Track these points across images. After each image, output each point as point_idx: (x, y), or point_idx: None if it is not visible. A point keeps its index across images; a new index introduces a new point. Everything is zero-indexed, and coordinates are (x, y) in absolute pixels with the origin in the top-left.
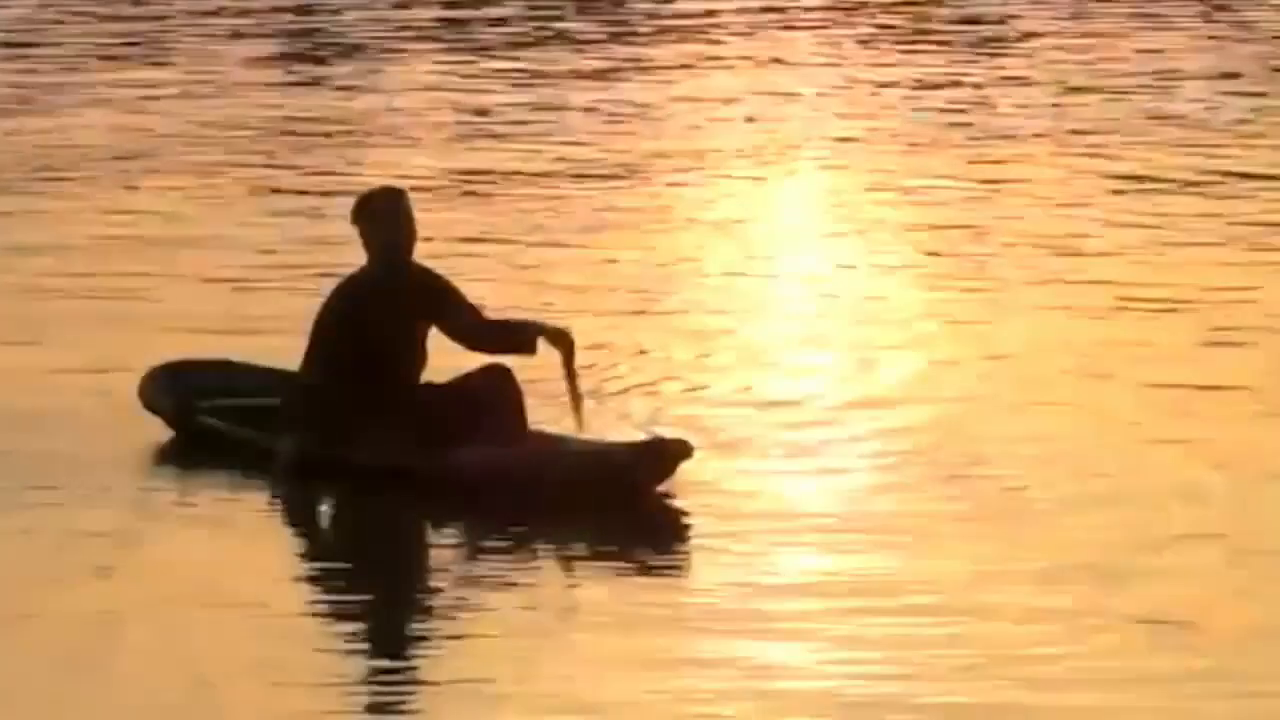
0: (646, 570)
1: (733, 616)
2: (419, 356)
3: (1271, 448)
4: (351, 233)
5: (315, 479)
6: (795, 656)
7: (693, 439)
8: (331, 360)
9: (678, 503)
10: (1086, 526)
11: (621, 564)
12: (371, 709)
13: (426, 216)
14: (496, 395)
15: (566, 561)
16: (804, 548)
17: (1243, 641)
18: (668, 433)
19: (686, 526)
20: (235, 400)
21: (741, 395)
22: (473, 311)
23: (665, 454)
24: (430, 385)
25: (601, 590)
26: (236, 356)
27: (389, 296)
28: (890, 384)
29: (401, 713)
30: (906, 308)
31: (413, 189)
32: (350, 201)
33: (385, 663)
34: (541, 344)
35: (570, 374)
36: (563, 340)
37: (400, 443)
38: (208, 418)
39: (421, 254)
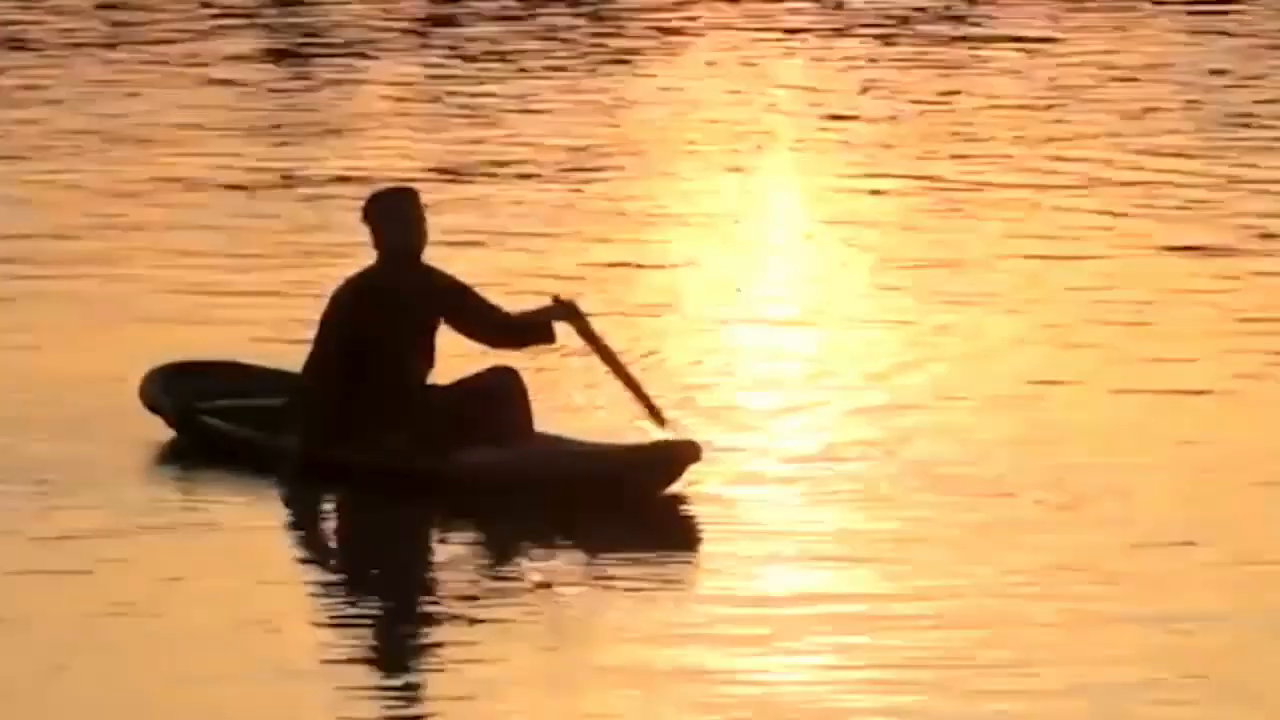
0: (651, 576)
1: (735, 626)
2: (425, 358)
3: (1261, 451)
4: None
5: (319, 481)
6: (791, 666)
7: (701, 440)
8: (335, 359)
9: (685, 506)
10: (1076, 531)
11: (626, 568)
12: (370, 713)
13: None
14: (502, 396)
15: (572, 566)
16: (800, 557)
17: (1238, 645)
18: (676, 435)
19: (694, 531)
20: (236, 401)
21: (741, 398)
22: (490, 309)
23: (673, 456)
24: (435, 387)
25: (605, 595)
26: (236, 357)
27: (394, 297)
28: (874, 385)
29: (401, 717)
30: (899, 309)
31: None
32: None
33: (384, 666)
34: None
35: (598, 347)
36: (573, 314)
37: (404, 445)
38: (209, 418)
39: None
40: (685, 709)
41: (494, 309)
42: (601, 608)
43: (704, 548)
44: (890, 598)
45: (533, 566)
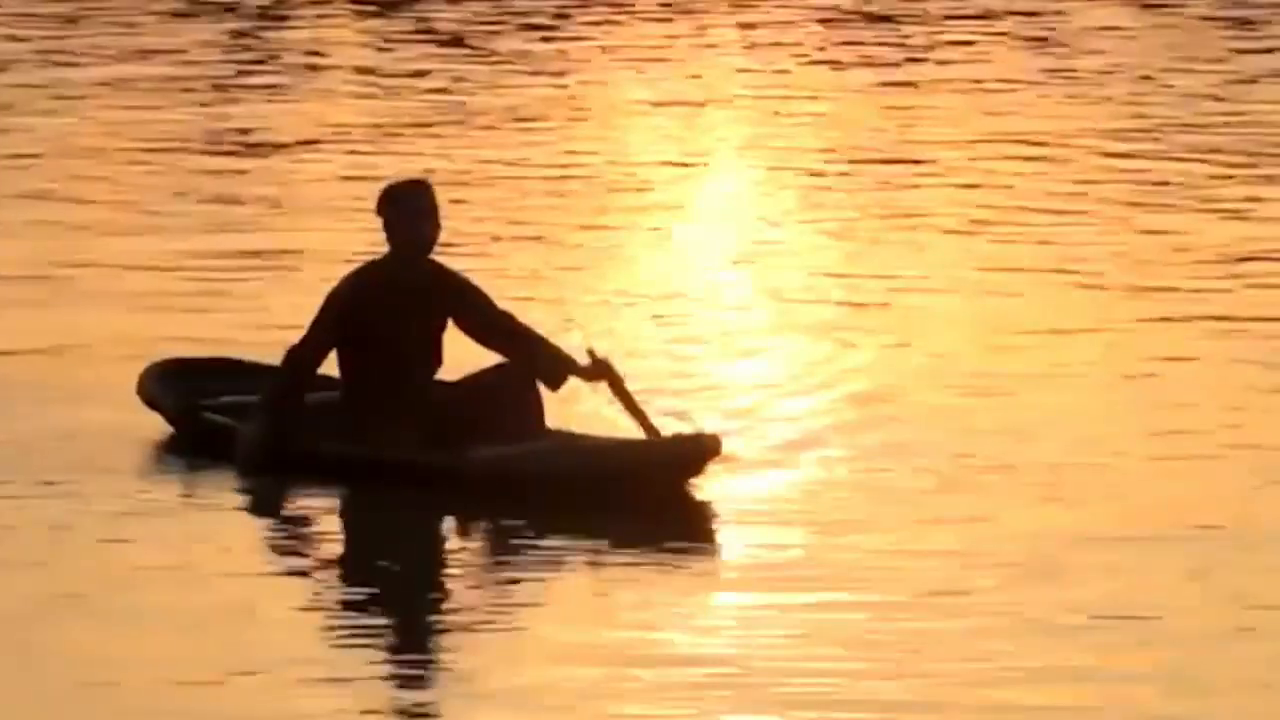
0: (661, 573)
1: (745, 627)
2: (432, 356)
3: (1233, 439)
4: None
5: (326, 476)
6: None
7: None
8: (326, 353)
9: (700, 500)
10: (1046, 522)
11: (639, 564)
12: (369, 710)
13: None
14: (513, 393)
15: (589, 562)
16: (793, 550)
17: (1200, 640)
18: (697, 428)
19: (709, 525)
20: (239, 397)
21: (737, 389)
22: (499, 315)
23: (693, 451)
24: (442, 384)
25: (614, 591)
26: (232, 354)
27: (400, 292)
28: (836, 372)
29: (401, 712)
30: (875, 298)
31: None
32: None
33: (386, 663)
34: (575, 382)
35: (628, 404)
36: (606, 373)
37: (410, 442)
38: (210, 414)
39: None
40: (686, 708)
41: (504, 315)
42: (611, 605)
43: (709, 544)
44: (849, 590)
45: (542, 562)
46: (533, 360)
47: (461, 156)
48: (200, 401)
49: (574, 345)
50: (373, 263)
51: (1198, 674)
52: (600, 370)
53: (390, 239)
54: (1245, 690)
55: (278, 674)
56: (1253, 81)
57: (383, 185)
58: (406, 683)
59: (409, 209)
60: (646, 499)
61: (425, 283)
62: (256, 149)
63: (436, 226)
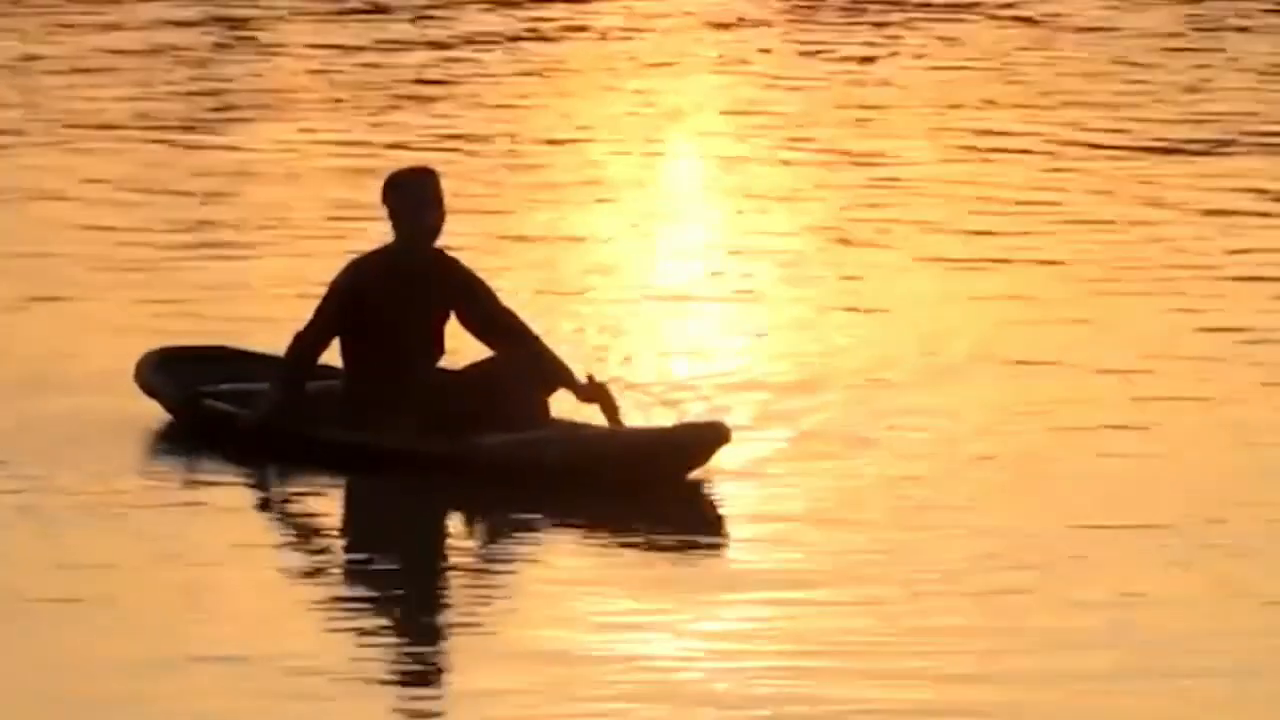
0: (663, 573)
1: (749, 620)
2: (434, 345)
3: (1228, 434)
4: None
5: (327, 464)
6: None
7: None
8: (329, 340)
9: (701, 500)
10: (1046, 519)
11: (641, 565)
12: (367, 708)
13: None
14: (517, 381)
15: (591, 563)
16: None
17: (1195, 635)
18: (705, 417)
19: (710, 526)
20: (239, 385)
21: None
22: (501, 312)
23: (701, 439)
24: (446, 371)
25: (614, 592)
26: (229, 342)
27: (401, 280)
28: (813, 365)
29: (400, 711)
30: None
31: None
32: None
33: (384, 661)
34: (568, 395)
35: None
36: (600, 397)
37: (409, 429)
38: (214, 402)
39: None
40: (688, 700)
41: (505, 312)
42: (611, 606)
43: (709, 545)
44: (811, 585)
45: (542, 562)
46: (534, 364)
47: (427, 132)
48: (200, 389)
49: (566, 333)
50: (376, 251)
51: (1193, 671)
52: (596, 393)
53: (394, 227)
54: (1242, 685)
55: (274, 670)
56: (1234, 69)
57: (387, 173)
58: (405, 681)
59: (413, 197)
60: (655, 485)
61: (428, 272)
62: (222, 126)
63: (441, 215)
